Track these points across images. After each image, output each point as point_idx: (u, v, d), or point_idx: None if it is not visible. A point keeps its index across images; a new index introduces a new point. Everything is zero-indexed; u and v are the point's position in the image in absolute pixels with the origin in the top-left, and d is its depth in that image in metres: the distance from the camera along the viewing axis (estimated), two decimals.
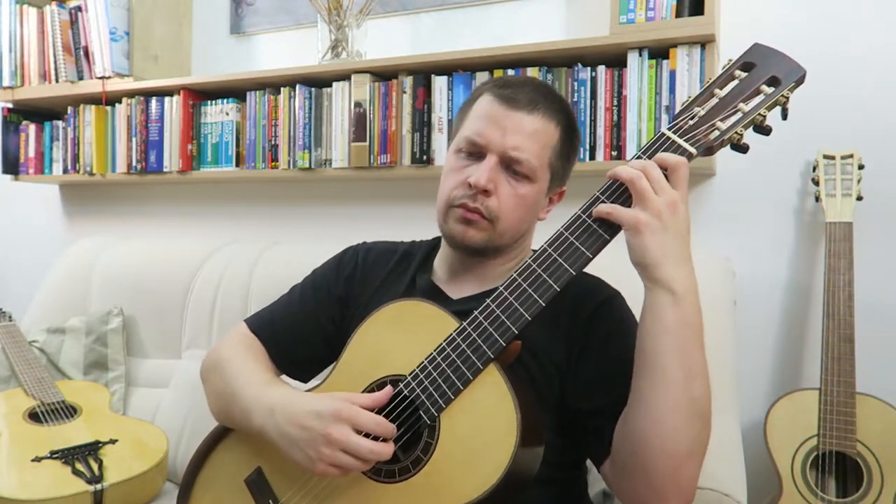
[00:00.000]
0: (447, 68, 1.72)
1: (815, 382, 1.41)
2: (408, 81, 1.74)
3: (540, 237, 0.86)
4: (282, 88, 1.90)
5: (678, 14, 1.50)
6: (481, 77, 1.68)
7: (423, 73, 1.74)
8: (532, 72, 1.63)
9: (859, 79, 1.52)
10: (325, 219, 2.05)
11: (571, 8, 1.78)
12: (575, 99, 1.60)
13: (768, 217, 1.59)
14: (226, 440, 1.01)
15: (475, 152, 0.96)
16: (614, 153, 1.55)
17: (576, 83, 1.60)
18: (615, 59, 1.57)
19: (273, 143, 1.92)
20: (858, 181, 1.44)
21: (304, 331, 1.09)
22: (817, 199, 1.48)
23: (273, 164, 1.92)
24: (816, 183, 1.47)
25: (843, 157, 1.46)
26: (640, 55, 1.53)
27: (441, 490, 0.78)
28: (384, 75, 1.81)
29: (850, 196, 1.44)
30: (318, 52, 1.89)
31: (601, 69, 1.58)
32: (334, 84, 1.84)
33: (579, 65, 1.60)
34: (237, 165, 1.99)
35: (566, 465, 0.97)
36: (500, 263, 1.03)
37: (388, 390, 0.84)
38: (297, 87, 1.88)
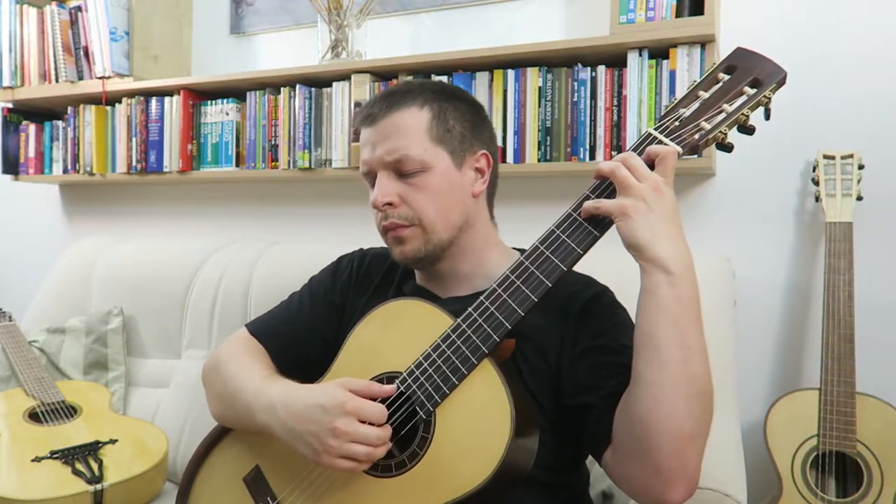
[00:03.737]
0: (447, 68, 1.72)
1: (815, 382, 1.42)
2: None
3: (534, 236, 0.87)
4: (282, 88, 1.90)
5: (678, 14, 1.50)
6: (481, 77, 1.68)
7: (422, 74, 1.74)
8: (532, 72, 1.63)
9: (859, 79, 1.52)
10: (325, 219, 2.05)
11: (571, 8, 1.78)
12: (575, 99, 1.60)
13: (768, 217, 1.59)
14: (224, 440, 1.02)
15: (371, 179, 1.00)
16: (614, 153, 1.55)
17: (576, 83, 1.60)
18: (615, 59, 1.57)
19: (273, 143, 1.92)
20: (858, 181, 1.44)
21: (303, 334, 1.10)
22: (817, 199, 1.48)
23: (273, 164, 1.92)
24: (816, 183, 1.47)
25: (843, 157, 1.46)
26: (640, 55, 1.53)
27: (437, 483, 0.79)
28: (384, 75, 1.81)
29: (850, 196, 1.44)
30: (318, 52, 1.90)
31: (601, 69, 1.58)
32: (334, 84, 1.84)
33: (579, 65, 1.60)
34: (237, 165, 1.99)
35: (562, 467, 0.96)
36: (465, 261, 1.02)
37: (391, 387, 0.85)
38: (297, 87, 1.88)
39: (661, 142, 0.81)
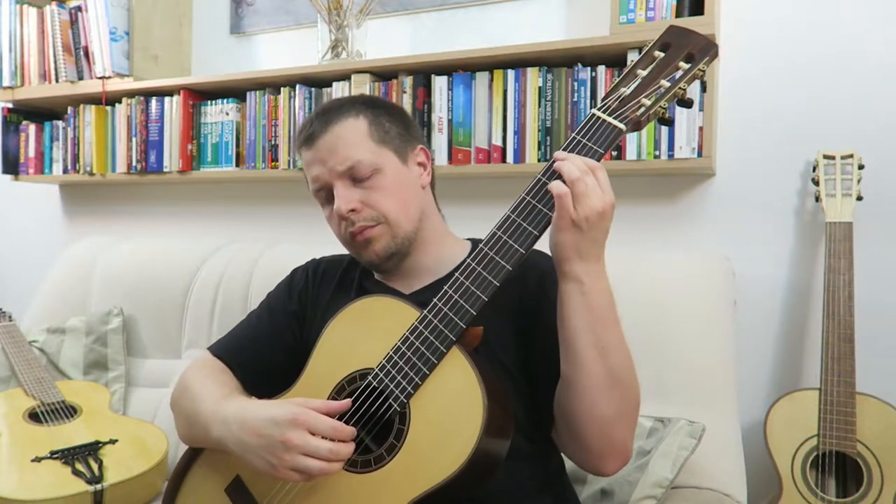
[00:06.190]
0: (447, 68, 1.72)
1: (815, 382, 1.42)
2: (408, 81, 1.74)
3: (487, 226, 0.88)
4: (282, 88, 1.90)
5: (678, 14, 1.50)
6: (481, 77, 1.68)
7: (422, 73, 1.74)
8: (532, 72, 1.63)
9: (859, 79, 1.52)
10: (325, 219, 2.05)
11: (571, 8, 1.78)
12: (575, 99, 1.60)
13: (768, 217, 1.59)
14: (203, 454, 1.02)
15: (325, 194, 1.05)
16: (614, 153, 1.55)
17: (576, 83, 1.60)
18: (615, 59, 1.57)
19: (273, 143, 1.92)
20: (858, 181, 1.44)
21: (266, 348, 1.11)
22: (817, 199, 1.48)
23: (273, 164, 1.92)
24: (816, 183, 1.47)
25: (843, 157, 1.46)
26: (641, 55, 1.53)
27: (416, 473, 0.80)
28: (384, 75, 1.81)
29: (850, 196, 1.44)
30: (318, 52, 1.90)
31: (601, 69, 1.58)
32: (334, 84, 1.84)
33: (579, 65, 1.60)
34: (237, 165, 1.99)
35: (539, 436, 0.99)
36: (426, 253, 1.06)
37: (346, 402, 0.87)
38: (297, 87, 1.88)
39: (605, 121, 0.85)
